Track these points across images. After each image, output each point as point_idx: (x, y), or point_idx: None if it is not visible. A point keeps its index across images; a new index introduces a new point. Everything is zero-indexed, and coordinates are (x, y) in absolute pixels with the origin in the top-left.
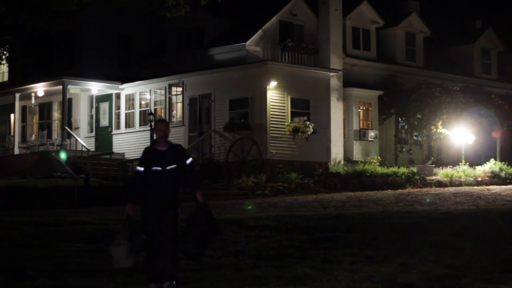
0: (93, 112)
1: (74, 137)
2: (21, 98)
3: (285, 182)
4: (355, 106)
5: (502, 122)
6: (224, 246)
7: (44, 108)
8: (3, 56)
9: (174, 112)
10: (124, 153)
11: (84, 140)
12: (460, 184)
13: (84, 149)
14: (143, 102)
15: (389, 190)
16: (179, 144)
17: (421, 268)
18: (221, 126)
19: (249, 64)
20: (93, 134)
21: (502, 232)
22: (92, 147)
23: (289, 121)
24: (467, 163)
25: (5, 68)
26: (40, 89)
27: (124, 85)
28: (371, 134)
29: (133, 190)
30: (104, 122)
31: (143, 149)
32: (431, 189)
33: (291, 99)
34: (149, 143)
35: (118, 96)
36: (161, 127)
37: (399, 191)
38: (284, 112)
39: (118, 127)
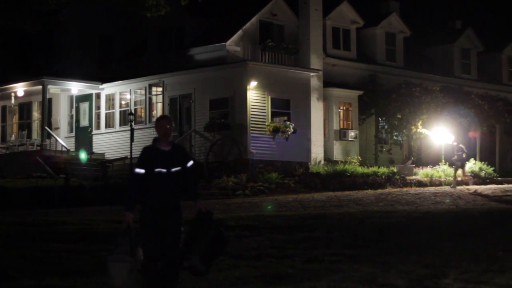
0: (73, 112)
1: (54, 137)
2: (0, 98)
3: (265, 182)
4: (335, 106)
5: (482, 122)
6: None
7: (24, 108)
8: None
9: (154, 112)
10: (104, 153)
11: (64, 140)
12: (440, 184)
13: (64, 149)
14: (123, 102)
15: (370, 190)
16: (181, 144)
17: (402, 268)
18: (202, 126)
19: (229, 64)
20: (73, 134)
21: (482, 232)
22: (72, 147)
23: (270, 121)
24: (447, 162)
25: None
26: (20, 89)
27: (104, 85)
28: (351, 134)
29: (130, 195)
30: (84, 122)
31: (140, 149)
32: (411, 188)
33: (271, 99)
34: (129, 144)
35: (98, 96)
36: (164, 124)
37: (379, 191)
38: (265, 112)
39: (98, 127)
